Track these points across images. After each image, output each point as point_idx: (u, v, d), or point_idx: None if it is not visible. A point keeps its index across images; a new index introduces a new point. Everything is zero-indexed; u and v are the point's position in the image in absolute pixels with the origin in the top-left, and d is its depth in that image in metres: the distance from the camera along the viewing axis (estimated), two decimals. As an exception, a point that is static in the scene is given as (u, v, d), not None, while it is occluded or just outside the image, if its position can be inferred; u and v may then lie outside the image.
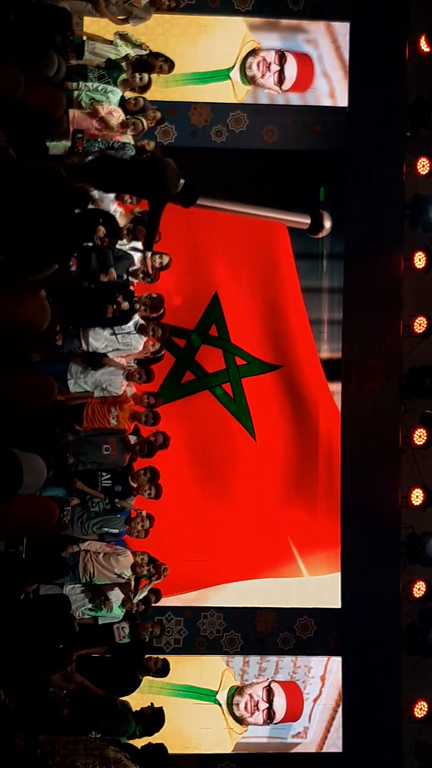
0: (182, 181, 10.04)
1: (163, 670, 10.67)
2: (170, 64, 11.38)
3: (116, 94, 10.98)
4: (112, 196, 10.97)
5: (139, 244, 11.22)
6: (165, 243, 11.31)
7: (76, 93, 10.85)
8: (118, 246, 10.98)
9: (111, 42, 11.23)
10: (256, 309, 13.27)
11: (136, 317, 10.93)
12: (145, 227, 10.48)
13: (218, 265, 13.13)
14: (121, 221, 11.18)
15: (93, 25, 11.71)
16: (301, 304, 13.23)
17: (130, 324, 10.89)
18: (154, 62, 11.24)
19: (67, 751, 8.66)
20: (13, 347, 5.77)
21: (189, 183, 10.25)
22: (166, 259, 11.45)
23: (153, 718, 10.25)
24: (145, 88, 11.31)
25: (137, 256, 11.25)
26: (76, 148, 10.65)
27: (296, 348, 13.27)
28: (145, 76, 11.24)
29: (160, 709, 10.31)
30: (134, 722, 9.98)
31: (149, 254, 11.03)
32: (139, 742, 9.94)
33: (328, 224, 12.23)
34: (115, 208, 11.13)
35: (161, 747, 9.92)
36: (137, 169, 10.08)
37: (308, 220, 12.58)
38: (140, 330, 11.00)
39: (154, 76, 11.28)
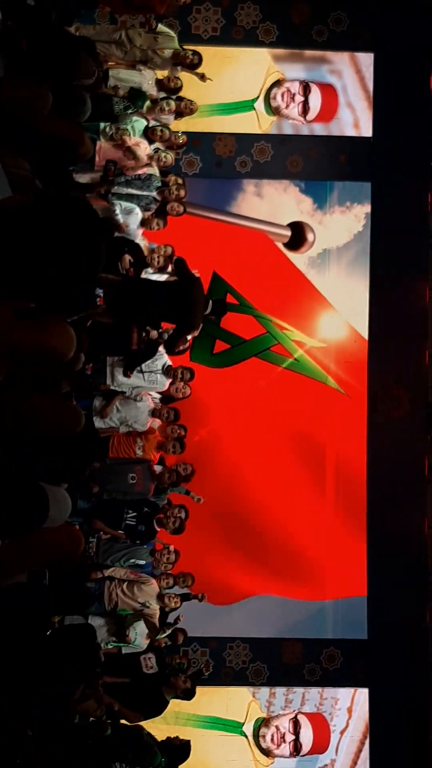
0: (210, 302, 10.00)
1: (190, 691, 10.58)
2: (199, 56, 11.46)
3: (141, 123, 11.04)
4: (137, 223, 11.03)
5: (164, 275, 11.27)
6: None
7: (102, 126, 10.91)
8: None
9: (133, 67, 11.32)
10: (271, 283, 13.15)
11: (166, 358, 10.94)
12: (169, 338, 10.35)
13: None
14: (146, 251, 11.23)
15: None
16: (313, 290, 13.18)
17: (158, 363, 10.91)
18: (185, 55, 11.31)
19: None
20: (39, 375, 5.78)
21: (216, 301, 10.21)
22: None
23: (179, 750, 10.19)
24: (171, 115, 11.42)
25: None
26: (108, 177, 10.72)
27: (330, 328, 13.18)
28: (173, 103, 11.30)
29: (188, 742, 10.25)
30: (160, 753, 9.93)
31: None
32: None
33: (310, 237, 12.17)
34: (141, 237, 11.18)
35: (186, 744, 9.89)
36: (169, 296, 9.93)
37: (288, 233, 12.59)
38: (167, 371, 11.01)
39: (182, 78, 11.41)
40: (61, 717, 7.87)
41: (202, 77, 11.57)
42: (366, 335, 13.09)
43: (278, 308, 13.02)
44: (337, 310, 13.11)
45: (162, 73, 11.46)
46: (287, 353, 12.94)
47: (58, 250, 4.64)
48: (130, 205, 10.96)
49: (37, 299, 4.92)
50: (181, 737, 10.26)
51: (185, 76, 11.50)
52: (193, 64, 11.49)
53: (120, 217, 10.76)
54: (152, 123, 11.14)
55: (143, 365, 10.82)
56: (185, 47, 11.49)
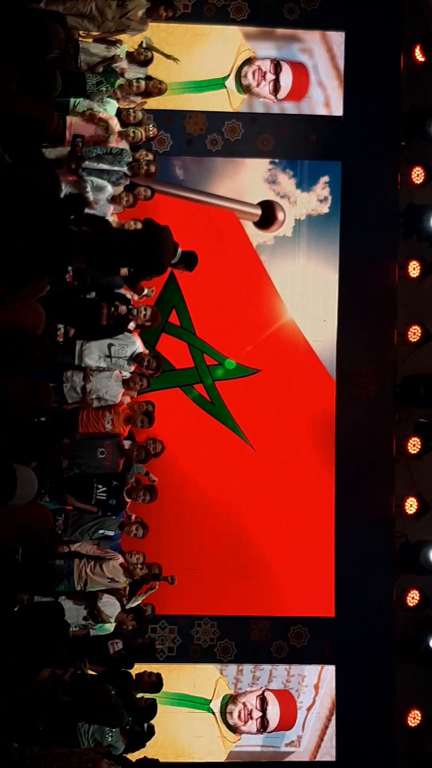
0: (179, 251, 9.99)
1: (156, 684, 10.66)
2: (173, 8, 11.46)
3: (113, 105, 11.01)
4: (107, 199, 10.99)
5: None
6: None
7: (73, 102, 10.86)
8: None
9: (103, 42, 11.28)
10: (223, 302, 13.06)
11: (137, 344, 10.91)
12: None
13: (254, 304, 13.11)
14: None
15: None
16: (277, 299, 13.15)
17: (128, 350, 10.87)
18: (158, 10, 11.26)
19: (60, 763, 8.64)
20: (7, 353, 5.78)
21: (186, 252, 10.19)
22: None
23: (146, 710, 10.25)
24: (140, 94, 11.39)
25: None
26: (77, 153, 10.68)
27: (278, 349, 13.16)
28: (142, 83, 11.30)
29: (154, 701, 10.31)
30: (127, 714, 9.97)
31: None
32: (133, 756, 9.93)
33: (281, 216, 12.14)
34: (110, 213, 11.14)
35: (155, 762, 9.92)
36: (135, 242, 9.94)
37: (259, 212, 12.55)
38: (135, 358, 10.96)
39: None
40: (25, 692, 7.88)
41: (171, 57, 11.54)
42: (335, 314, 13.11)
43: (219, 330, 13.00)
44: (300, 305, 13.12)
45: (132, 44, 11.41)
46: (206, 396, 12.95)
47: (26, 229, 4.65)
48: (101, 182, 10.91)
49: (5, 276, 4.93)
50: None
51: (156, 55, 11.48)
52: (169, 17, 11.45)
53: (90, 195, 10.73)
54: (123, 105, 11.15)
55: (112, 350, 10.77)
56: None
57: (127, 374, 10.92)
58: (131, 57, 11.41)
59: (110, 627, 10.57)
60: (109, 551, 10.62)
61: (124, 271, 10.28)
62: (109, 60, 11.08)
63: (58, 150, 10.62)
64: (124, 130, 11.19)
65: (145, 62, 11.46)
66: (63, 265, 7.77)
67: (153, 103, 11.93)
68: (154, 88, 11.45)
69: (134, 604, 10.87)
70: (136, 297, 11.28)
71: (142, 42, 11.60)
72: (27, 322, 5.22)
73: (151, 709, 10.28)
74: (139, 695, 10.44)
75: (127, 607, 10.71)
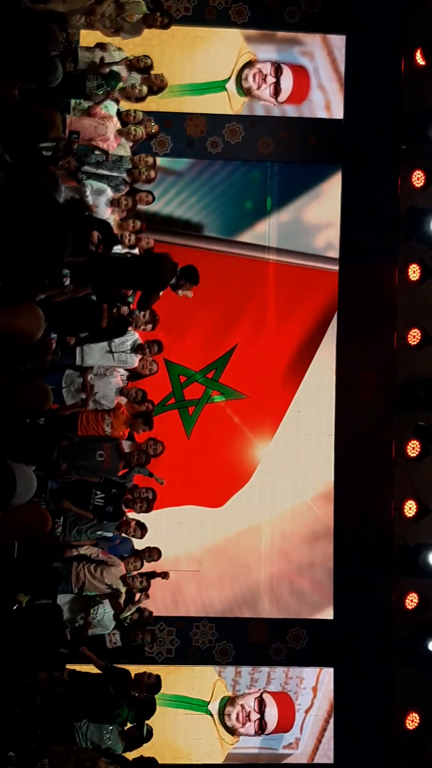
0: (178, 271, 10.12)
1: (155, 685, 10.67)
2: (169, 17, 11.52)
3: (113, 107, 11.04)
4: (106, 203, 11.02)
5: (135, 250, 11.29)
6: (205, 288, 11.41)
7: (74, 102, 10.90)
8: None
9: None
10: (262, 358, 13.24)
11: (136, 336, 10.94)
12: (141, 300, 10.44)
13: (252, 317, 13.14)
14: (116, 229, 11.22)
15: (88, 36, 11.77)
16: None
17: (128, 343, 10.91)
18: (155, 17, 11.31)
19: (58, 761, 8.66)
20: (7, 357, 5.79)
21: (186, 268, 10.34)
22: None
23: (145, 705, 10.26)
24: (141, 99, 11.41)
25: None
26: (71, 148, 10.69)
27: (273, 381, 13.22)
28: (144, 88, 11.34)
29: (152, 697, 10.32)
30: (126, 708, 9.97)
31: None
32: (130, 755, 9.94)
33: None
34: (109, 215, 11.17)
35: (152, 760, 9.93)
36: (135, 267, 10.13)
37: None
38: (137, 349, 11.00)
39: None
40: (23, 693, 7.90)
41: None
42: (335, 317, 13.13)
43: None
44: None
45: (132, 52, 11.44)
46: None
47: (24, 235, 4.65)
48: (101, 186, 10.95)
49: (5, 281, 4.94)
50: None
51: (155, 56, 11.49)
52: (164, 25, 11.47)
53: (90, 198, 10.75)
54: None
55: (113, 345, 10.81)
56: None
57: (133, 365, 10.98)
58: (131, 65, 11.42)
59: (108, 625, 10.58)
60: (113, 558, 10.63)
61: (124, 309, 10.38)
62: (111, 63, 11.11)
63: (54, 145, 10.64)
64: (124, 128, 11.21)
65: (145, 69, 11.47)
66: (60, 268, 7.80)
67: (154, 105, 11.97)
68: (156, 79, 11.47)
69: (128, 614, 10.86)
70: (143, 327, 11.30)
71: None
72: (26, 326, 5.23)
73: (149, 703, 10.28)
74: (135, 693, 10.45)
75: (122, 616, 10.71)
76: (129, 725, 10.16)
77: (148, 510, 11.00)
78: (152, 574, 11.18)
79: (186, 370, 12.83)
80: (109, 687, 9.90)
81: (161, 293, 10.54)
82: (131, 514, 11.09)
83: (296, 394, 13.18)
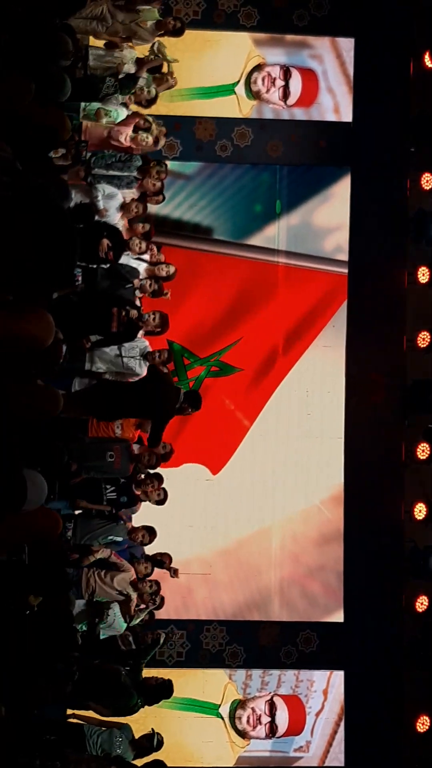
0: (182, 394, 10.27)
1: (164, 686, 10.64)
2: (181, 22, 11.59)
3: (122, 112, 11.06)
4: (116, 207, 11.03)
5: (145, 255, 11.30)
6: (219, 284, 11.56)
7: (83, 106, 10.91)
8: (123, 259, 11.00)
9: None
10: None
11: (146, 343, 10.94)
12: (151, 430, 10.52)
13: (260, 320, 13.20)
14: (125, 233, 11.22)
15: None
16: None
17: (137, 349, 10.90)
18: (167, 22, 11.36)
19: (72, 768, 8.69)
20: (18, 362, 5.81)
21: (189, 392, 10.56)
22: (172, 269, 11.46)
23: (157, 690, 10.25)
24: (151, 101, 11.42)
25: (143, 267, 11.29)
26: (80, 156, 10.71)
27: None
28: (153, 90, 11.35)
29: (166, 681, 10.32)
30: (136, 694, 9.96)
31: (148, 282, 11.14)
32: (140, 761, 9.93)
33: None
34: (119, 220, 11.17)
35: (161, 763, 9.92)
36: (138, 394, 10.27)
37: None
38: (145, 356, 11.00)
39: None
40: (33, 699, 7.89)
41: (173, 60, 11.61)
42: (345, 320, 13.14)
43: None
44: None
45: (143, 51, 11.45)
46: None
47: (33, 242, 4.68)
48: (112, 191, 10.95)
49: (15, 290, 4.97)
50: (155, 730, 10.30)
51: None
52: (176, 30, 11.49)
53: (101, 203, 10.76)
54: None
55: (122, 351, 10.81)
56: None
57: (142, 373, 10.98)
58: (140, 62, 11.43)
59: (120, 626, 10.58)
60: (124, 563, 10.61)
61: (134, 313, 10.40)
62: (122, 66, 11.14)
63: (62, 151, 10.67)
64: (134, 135, 11.21)
65: (155, 68, 11.49)
66: (70, 276, 7.82)
67: (163, 108, 11.99)
68: (167, 73, 11.49)
69: (137, 621, 10.85)
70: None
71: (153, 44, 11.59)
72: (37, 332, 5.26)
73: (162, 688, 10.27)
74: (150, 676, 10.43)
75: (132, 623, 10.69)
76: (139, 736, 10.13)
77: (163, 501, 11.01)
78: (160, 563, 11.12)
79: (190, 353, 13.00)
80: (119, 673, 9.90)
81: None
82: (140, 510, 11.09)
83: (305, 395, 13.20)
